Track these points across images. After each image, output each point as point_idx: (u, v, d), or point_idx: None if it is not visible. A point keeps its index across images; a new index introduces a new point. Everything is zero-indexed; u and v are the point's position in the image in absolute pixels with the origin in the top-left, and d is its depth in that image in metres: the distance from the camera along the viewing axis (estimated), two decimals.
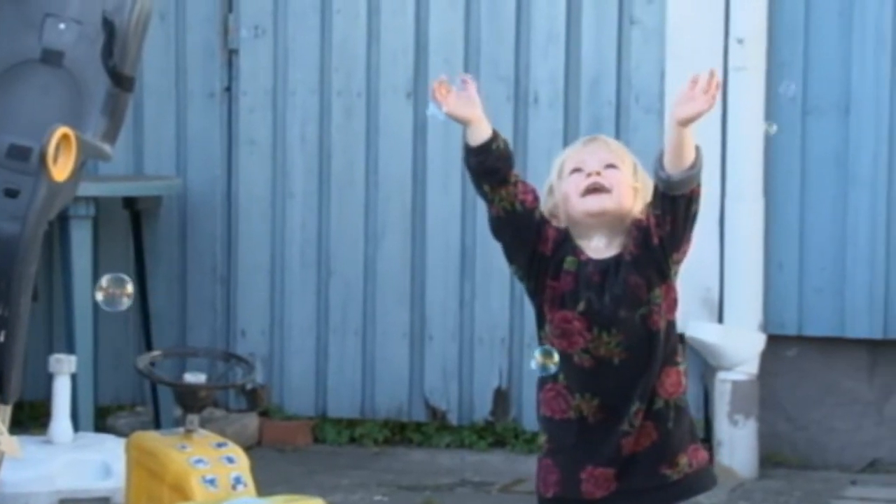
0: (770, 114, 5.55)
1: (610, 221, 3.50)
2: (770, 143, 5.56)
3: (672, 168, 3.38)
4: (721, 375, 5.61)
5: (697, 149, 3.40)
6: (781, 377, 5.69)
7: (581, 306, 3.48)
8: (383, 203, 5.96)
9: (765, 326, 5.61)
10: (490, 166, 3.49)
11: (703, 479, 3.53)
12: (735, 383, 5.59)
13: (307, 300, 6.04)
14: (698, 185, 3.42)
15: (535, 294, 3.55)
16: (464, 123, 3.51)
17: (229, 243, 6.11)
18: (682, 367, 3.52)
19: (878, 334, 5.55)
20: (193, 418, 4.22)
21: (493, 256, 5.82)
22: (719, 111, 5.52)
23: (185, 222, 6.13)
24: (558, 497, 3.52)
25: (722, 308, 5.62)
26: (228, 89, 6.10)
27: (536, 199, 3.53)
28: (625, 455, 3.47)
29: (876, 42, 5.48)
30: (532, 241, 3.51)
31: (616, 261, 3.48)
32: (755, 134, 5.54)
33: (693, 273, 5.56)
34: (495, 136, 3.49)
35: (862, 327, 5.56)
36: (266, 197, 6.06)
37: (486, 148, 3.48)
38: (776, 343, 5.63)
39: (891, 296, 5.52)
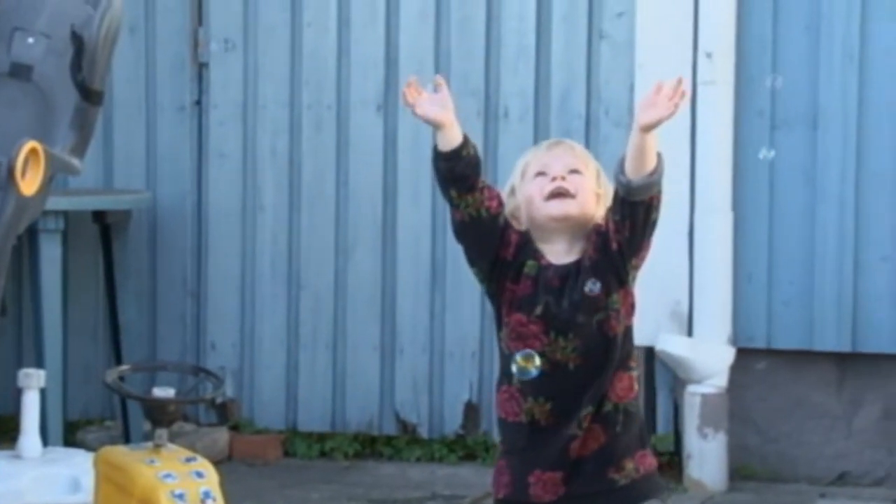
0: (739, 127, 5.58)
1: (572, 227, 3.51)
2: (739, 156, 5.59)
3: (633, 173, 3.38)
4: (690, 389, 5.63)
5: (659, 155, 3.41)
6: (751, 390, 5.71)
7: (538, 310, 3.48)
8: (354, 216, 5.97)
9: (734, 339, 5.63)
10: (459, 173, 3.48)
11: (651, 485, 3.53)
12: (704, 396, 5.61)
13: (277, 313, 6.04)
14: (659, 192, 3.43)
15: (495, 296, 3.56)
16: (435, 127, 3.49)
17: (199, 257, 6.10)
18: (634, 373, 3.53)
19: (846, 347, 5.58)
20: (162, 433, 4.20)
21: (463, 269, 5.78)
22: (688, 124, 5.54)
23: (154, 236, 6.12)
24: (508, 499, 3.53)
25: (691, 321, 5.63)
26: (198, 103, 6.09)
27: (501, 204, 3.53)
28: (572, 458, 3.47)
29: (843, 56, 5.51)
30: (495, 246, 3.51)
31: (576, 266, 3.49)
32: (724, 147, 5.57)
33: (662, 286, 5.60)
34: (466, 142, 3.49)
35: (830, 340, 5.58)
36: (236, 210, 6.06)
37: (456, 154, 3.47)
38: (745, 356, 5.64)
39: (859, 309, 5.55)
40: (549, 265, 3.50)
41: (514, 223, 3.54)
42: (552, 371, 3.48)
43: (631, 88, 5.66)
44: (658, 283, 5.61)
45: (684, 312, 5.63)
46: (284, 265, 6.03)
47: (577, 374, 3.46)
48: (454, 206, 3.50)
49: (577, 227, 3.50)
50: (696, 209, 5.59)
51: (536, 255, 3.52)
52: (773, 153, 5.18)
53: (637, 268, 3.49)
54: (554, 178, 3.48)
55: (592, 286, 3.47)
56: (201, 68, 6.09)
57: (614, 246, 3.45)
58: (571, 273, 3.49)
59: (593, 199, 3.50)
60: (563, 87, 5.77)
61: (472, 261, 3.57)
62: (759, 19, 5.56)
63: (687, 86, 5.35)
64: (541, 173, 3.51)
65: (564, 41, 5.75)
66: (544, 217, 3.50)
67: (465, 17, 5.83)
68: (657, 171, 3.39)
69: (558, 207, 3.48)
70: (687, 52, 5.55)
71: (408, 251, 5.92)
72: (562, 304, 3.47)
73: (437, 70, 5.86)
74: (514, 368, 3.48)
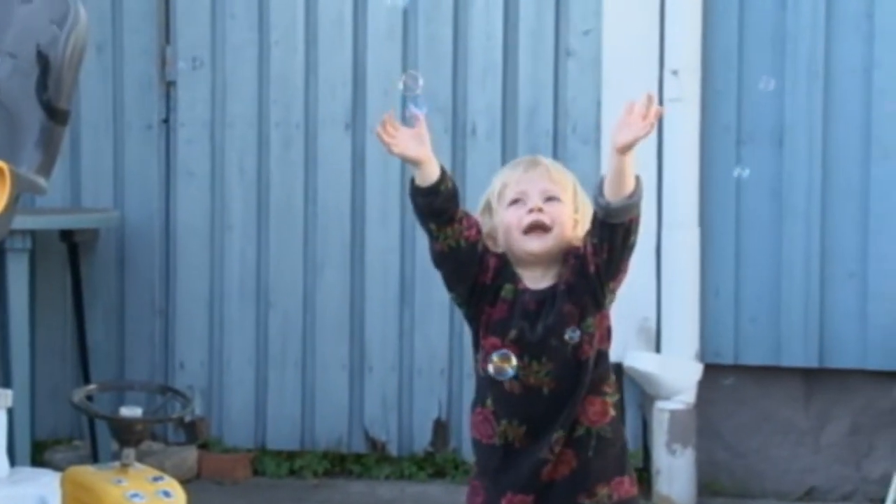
0: (705, 143, 5.60)
1: (549, 256, 3.51)
2: (706, 172, 5.61)
3: (612, 196, 3.38)
4: (659, 405, 5.64)
5: (638, 178, 3.40)
6: (719, 406, 5.72)
7: (513, 334, 3.49)
8: (322, 235, 5.97)
9: (702, 355, 5.65)
10: (438, 207, 3.47)
11: None
12: (673, 412, 5.62)
13: (246, 332, 6.03)
14: (637, 215, 3.42)
15: (473, 320, 3.57)
16: (413, 164, 3.48)
17: (167, 275, 6.09)
18: (609, 399, 3.51)
19: (813, 363, 5.60)
20: (129, 452, 4.19)
21: (432, 287, 5.84)
22: (655, 141, 5.57)
23: (122, 255, 6.11)
24: None
25: (659, 337, 5.65)
26: (166, 121, 6.09)
27: (479, 231, 3.53)
28: (544, 482, 3.48)
29: (808, 73, 5.54)
30: (474, 272, 3.52)
31: (553, 291, 3.49)
32: (691, 163, 5.59)
33: (630, 303, 5.60)
34: (443, 176, 3.47)
35: (797, 356, 5.60)
36: (204, 229, 6.05)
37: (434, 189, 3.46)
38: (713, 372, 5.66)
39: (825, 324, 5.57)
40: (526, 290, 3.51)
41: (490, 243, 3.54)
42: (526, 394, 3.48)
43: (598, 105, 5.68)
44: (626, 299, 5.56)
45: (652, 329, 5.65)
46: (253, 283, 6.02)
47: (552, 397, 3.47)
48: (433, 238, 3.50)
49: (554, 254, 3.51)
50: (663, 225, 5.61)
51: (514, 278, 3.52)
52: (747, 171, 5.21)
53: (614, 291, 3.49)
54: (531, 210, 3.48)
55: (572, 334, 3.47)
56: (169, 87, 6.08)
57: (592, 269, 3.44)
58: (548, 298, 3.49)
59: (570, 225, 3.50)
60: (531, 103, 5.78)
61: (451, 287, 3.57)
62: (725, 36, 5.59)
63: (656, 102, 5.40)
64: (518, 200, 3.51)
65: (532, 58, 5.77)
66: (523, 251, 3.51)
67: (433, 34, 5.84)
68: (636, 194, 3.38)
69: (536, 243, 3.49)
70: (653, 69, 5.57)
71: (376, 269, 5.92)
72: (536, 329, 3.47)
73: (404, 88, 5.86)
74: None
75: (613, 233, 3.40)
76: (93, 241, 5.92)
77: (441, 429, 5.92)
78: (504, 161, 5.76)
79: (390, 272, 5.91)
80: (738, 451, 5.74)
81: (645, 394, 5.71)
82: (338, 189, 5.94)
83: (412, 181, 3.50)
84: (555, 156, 5.70)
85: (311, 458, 6.00)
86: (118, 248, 6.09)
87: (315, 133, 5.96)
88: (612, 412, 3.51)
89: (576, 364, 3.46)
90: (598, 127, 5.67)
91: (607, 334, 3.52)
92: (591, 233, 3.45)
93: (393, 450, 5.95)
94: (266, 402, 6.03)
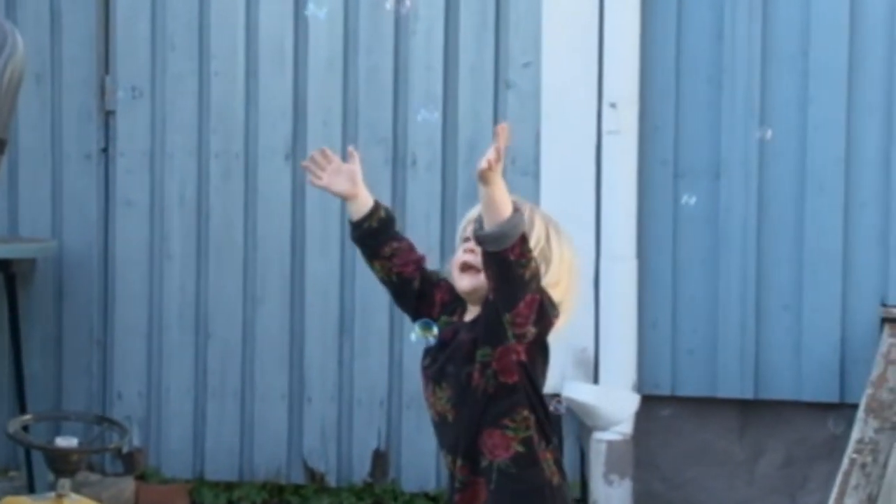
0: (643, 177, 5.65)
1: (478, 295, 3.56)
2: (643, 205, 5.65)
3: (487, 223, 3.37)
4: (596, 436, 5.66)
5: (517, 212, 3.36)
6: (655, 437, 5.75)
7: (426, 361, 3.59)
8: (262, 265, 5.96)
9: (639, 387, 5.68)
10: (361, 240, 3.64)
11: None
12: (610, 443, 5.65)
13: (185, 363, 6.02)
14: (520, 249, 3.36)
15: None
16: (342, 198, 3.63)
17: (106, 306, 6.07)
18: (512, 433, 3.51)
19: (749, 394, 5.64)
20: (65, 482, 4.17)
21: (371, 318, 5.85)
22: (593, 172, 5.61)
23: (60, 284, 6.08)
24: None
25: (597, 369, 5.67)
26: (105, 151, 6.07)
27: (419, 267, 3.63)
28: None
29: (745, 108, 5.59)
30: (412, 304, 3.63)
31: (472, 320, 3.57)
32: (628, 195, 5.63)
33: (568, 334, 5.60)
34: (371, 213, 3.61)
35: (733, 387, 5.64)
36: (143, 259, 6.04)
37: (359, 225, 3.64)
38: (650, 403, 5.69)
39: (761, 357, 5.62)
40: (459, 321, 3.59)
41: (450, 278, 3.64)
42: (440, 422, 3.56)
43: (537, 137, 5.72)
44: (564, 330, 5.65)
45: (590, 360, 5.68)
46: (192, 314, 6.01)
47: (455, 426, 3.52)
48: (370, 267, 3.66)
49: (483, 294, 3.55)
50: (601, 257, 5.64)
51: (458, 311, 3.60)
52: (693, 199, 5.26)
53: (517, 325, 3.44)
54: (466, 250, 3.55)
55: (466, 335, 3.53)
56: (108, 116, 6.07)
57: (490, 295, 3.48)
58: (464, 327, 3.56)
59: None
60: (471, 135, 5.81)
61: (402, 310, 3.70)
62: (663, 70, 5.64)
63: (589, 136, 5.44)
64: (466, 238, 3.57)
65: (471, 90, 5.80)
66: (457, 287, 3.60)
67: (373, 66, 5.86)
68: (508, 223, 3.34)
69: (464, 282, 3.56)
70: (592, 102, 5.62)
71: (316, 300, 5.92)
72: (442, 355, 3.55)
73: (345, 119, 5.89)
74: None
75: (490, 260, 3.39)
76: (30, 271, 5.89)
77: (380, 459, 5.92)
78: (444, 192, 5.80)
79: (330, 303, 5.91)
80: (675, 483, 5.77)
81: (583, 425, 5.73)
82: (278, 219, 5.94)
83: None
84: None
85: (249, 488, 5.98)
86: (56, 278, 6.07)
87: (255, 163, 5.96)
88: (519, 449, 3.50)
89: (471, 393, 3.50)
90: (537, 159, 5.71)
91: (516, 368, 3.50)
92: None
93: (332, 480, 5.95)
94: (205, 432, 6.02)
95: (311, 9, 5.12)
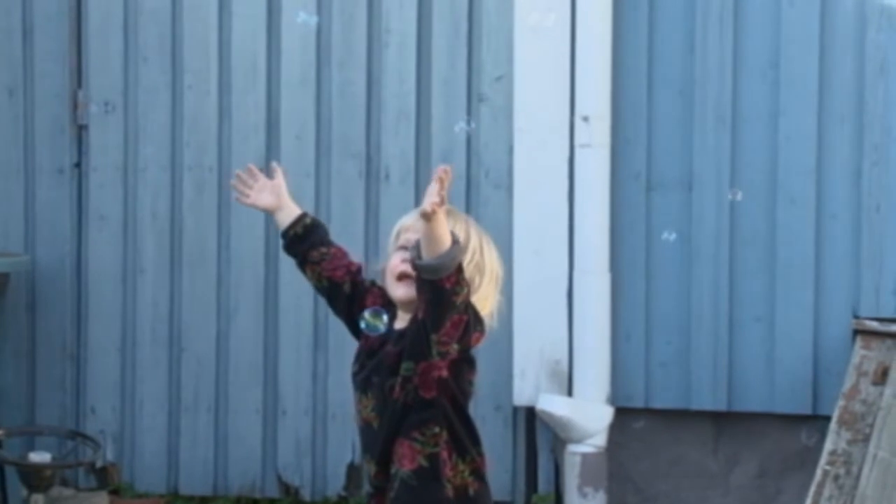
0: (615, 190, 5.66)
1: (414, 305, 3.57)
2: (616, 218, 5.67)
3: (425, 253, 3.41)
4: (571, 448, 5.67)
5: (455, 245, 3.41)
6: (629, 449, 5.76)
7: (355, 368, 3.66)
8: (235, 279, 5.96)
9: (613, 399, 5.69)
10: (289, 248, 3.77)
11: None
12: (584, 456, 5.65)
13: (159, 377, 6.01)
14: (454, 279, 3.41)
15: None
16: (268, 213, 3.80)
17: (79, 320, 6.06)
18: (420, 447, 3.54)
19: (722, 406, 5.65)
20: (38, 497, 4.18)
21: (346, 331, 5.83)
22: (566, 186, 5.62)
23: (33, 299, 6.07)
24: None
25: (571, 381, 5.68)
26: (78, 165, 6.07)
27: (349, 272, 3.71)
28: None
29: (716, 120, 5.61)
30: (345, 309, 3.71)
31: (399, 331, 3.61)
32: (601, 209, 5.64)
33: (543, 347, 5.66)
34: (296, 221, 3.74)
35: (706, 399, 5.66)
36: (116, 273, 6.03)
37: (285, 233, 3.77)
38: (624, 415, 5.70)
39: (734, 368, 5.63)
40: (390, 328, 3.63)
41: (379, 281, 3.68)
42: (365, 428, 3.62)
43: (510, 151, 5.73)
44: (538, 343, 5.67)
45: (564, 372, 5.68)
46: (165, 328, 6.00)
47: (378, 433, 3.58)
48: (303, 274, 3.76)
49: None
50: (574, 270, 5.65)
51: (388, 318, 3.64)
52: (673, 235, 5.34)
53: (442, 344, 3.49)
54: (403, 259, 3.58)
55: (392, 347, 3.57)
56: (81, 130, 6.07)
57: (420, 314, 3.51)
58: (392, 337, 3.60)
59: None
60: (444, 149, 5.82)
61: (335, 313, 3.76)
62: (635, 84, 5.65)
63: (562, 150, 5.46)
64: (403, 247, 3.61)
65: (444, 104, 5.81)
66: (392, 295, 3.64)
67: (346, 80, 5.87)
68: (447, 255, 3.38)
69: (400, 291, 3.61)
70: (564, 116, 5.63)
71: (290, 314, 5.92)
72: (369, 363, 3.60)
73: (318, 133, 5.89)
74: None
75: (423, 285, 3.44)
76: (3, 286, 5.88)
77: (354, 473, 5.92)
78: (417, 205, 5.79)
79: (304, 316, 5.91)
80: (649, 494, 5.78)
81: (557, 437, 5.74)
82: (251, 233, 5.94)
83: None
84: (468, 201, 5.74)
85: (223, 502, 5.97)
86: (29, 292, 6.05)
87: (228, 177, 5.93)
88: (423, 463, 3.53)
89: (391, 403, 3.55)
90: (510, 172, 5.72)
91: (436, 385, 3.53)
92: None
93: (306, 494, 5.94)
94: (178, 446, 6.01)
95: (302, 17, 5.15)
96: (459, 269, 3.42)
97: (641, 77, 5.64)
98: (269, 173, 3.83)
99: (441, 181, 3.34)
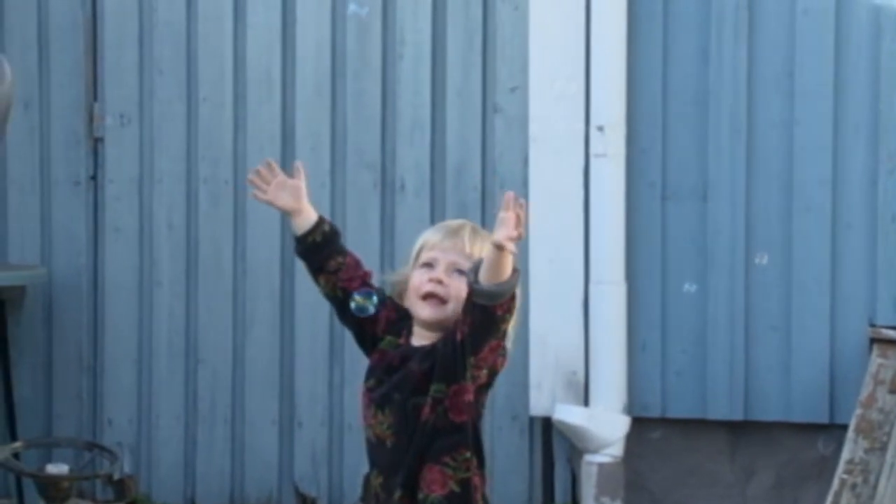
0: (631, 199, 5.66)
1: (441, 325, 3.55)
2: (632, 227, 5.67)
3: (483, 278, 3.39)
4: (587, 458, 5.67)
5: (515, 272, 3.39)
6: (645, 459, 5.76)
7: (371, 383, 3.57)
8: (251, 291, 5.97)
9: (629, 409, 5.69)
10: (304, 255, 3.66)
11: None
12: (601, 465, 5.65)
13: (175, 389, 6.01)
14: (508, 306, 3.41)
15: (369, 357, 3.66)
16: (285, 213, 3.66)
17: (95, 332, 6.07)
18: (451, 472, 3.48)
19: (738, 416, 5.65)
20: None
21: None
22: (581, 196, 5.63)
23: (50, 311, 6.08)
24: None
25: (587, 391, 5.68)
26: (94, 177, 6.08)
27: (364, 283, 3.62)
28: None
29: (731, 129, 5.61)
30: (356, 321, 3.62)
31: (423, 349, 3.54)
32: (616, 218, 5.64)
33: (559, 357, 5.66)
34: (314, 228, 3.63)
35: (723, 409, 5.65)
36: (133, 285, 6.04)
37: (302, 239, 3.65)
38: (640, 425, 5.69)
39: (750, 378, 5.63)
40: (402, 345, 3.57)
41: (398, 298, 3.62)
42: (377, 445, 3.54)
43: (525, 162, 5.73)
44: (554, 353, 5.67)
45: (580, 382, 5.68)
46: (182, 340, 6.01)
47: (393, 452, 3.50)
48: (314, 282, 3.67)
49: (446, 324, 3.54)
50: (590, 280, 5.65)
51: (402, 333, 3.58)
52: (694, 287, 5.35)
53: (478, 368, 3.47)
54: (431, 279, 3.54)
55: (417, 365, 3.50)
56: (97, 143, 6.08)
57: (458, 336, 3.47)
58: (413, 355, 3.54)
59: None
60: (459, 160, 5.83)
61: (343, 324, 3.70)
62: (650, 93, 5.66)
63: (578, 162, 5.46)
64: (428, 265, 3.56)
65: (459, 115, 5.82)
66: (415, 314, 3.57)
67: (361, 90, 5.88)
68: (507, 283, 3.38)
69: (427, 311, 3.54)
70: (579, 126, 5.64)
71: (306, 325, 5.93)
72: (389, 380, 3.52)
73: (333, 144, 5.90)
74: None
75: (475, 310, 3.41)
76: (20, 298, 5.89)
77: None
78: (433, 217, 5.80)
79: (319, 327, 5.91)
80: None
81: (573, 447, 5.74)
82: (267, 245, 5.95)
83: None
84: (483, 211, 5.75)
85: None
86: (45, 304, 6.07)
87: (244, 189, 5.96)
88: (455, 488, 3.47)
89: (414, 424, 3.48)
90: (525, 183, 5.72)
91: (467, 409, 3.49)
92: (464, 303, 3.48)
93: None
94: (195, 458, 6.01)
95: (352, 8, 5.16)
96: (513, 297, 3.39)
97: (656, 87, 5.64)
98: (289, 172, 3.70)
99: (518, 216, 3.29)
